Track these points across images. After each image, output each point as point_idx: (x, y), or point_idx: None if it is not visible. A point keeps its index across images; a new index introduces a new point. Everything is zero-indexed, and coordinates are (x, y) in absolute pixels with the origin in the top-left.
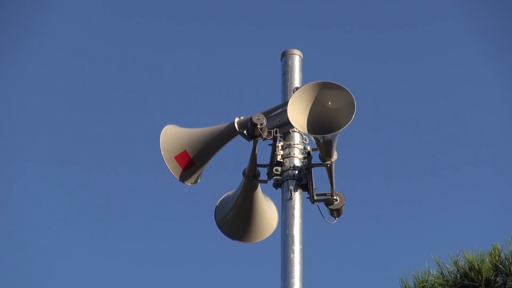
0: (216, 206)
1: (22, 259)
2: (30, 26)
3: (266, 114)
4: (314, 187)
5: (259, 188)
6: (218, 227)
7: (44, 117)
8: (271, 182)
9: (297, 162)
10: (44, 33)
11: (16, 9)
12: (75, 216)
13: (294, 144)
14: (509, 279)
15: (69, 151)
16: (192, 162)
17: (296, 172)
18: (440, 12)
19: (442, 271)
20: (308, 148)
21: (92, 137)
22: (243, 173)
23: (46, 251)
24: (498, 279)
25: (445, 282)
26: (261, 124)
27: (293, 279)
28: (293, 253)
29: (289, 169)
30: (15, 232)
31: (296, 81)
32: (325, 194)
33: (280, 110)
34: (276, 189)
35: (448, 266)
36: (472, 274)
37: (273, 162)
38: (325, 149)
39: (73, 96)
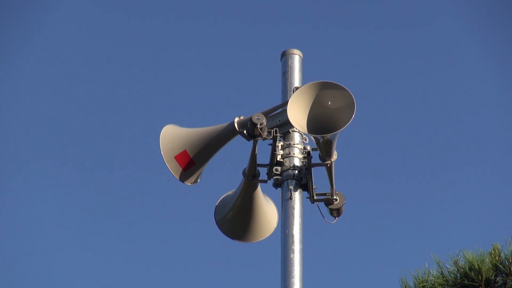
0: (216, 206)
1: (21, 258)
2: (30, 25)
3: (266, 114)
4: (314, 187)
5: (259, 188)
6: (218, 227)
7: (43, 116)
8: (271, 182)
9: (297, 162)
10: (43, 32)
11: (16, 9)
12: (74, 215)
13: (294, 144)
14: (509, 279)
15: (68, 150)
16: (192, 162)
17: (296, 172)
18: (439, 11)
19: (442, 271)
20: (308, 148)
21: (92, 136)
22: (243, 173)
23: (45, 250)
24: (498, 279)
25: (445, 282)
26: (261, 124)
27: (293, 279)
28: (293, 253)
29: (289, 169)
30: (14, 231)
31: (296, 81)
32: (325, 194)
33: (280, 110)
34: (276, 189)
35: (448, 266)
36: (472, 274)
37: (273, 162)
38: (325, 149)
39: (72, 94)
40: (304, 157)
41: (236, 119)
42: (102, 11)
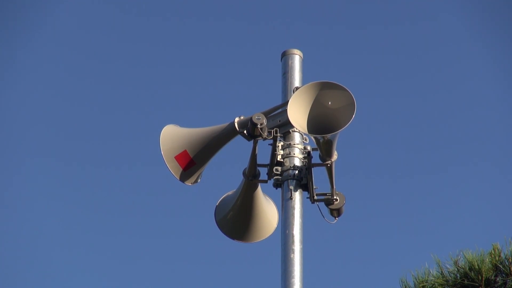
0: (216, 206)
1: (21, 256)
2: (31, 22)
3: (266, 114)
4: (314, 187)
5: (259, 188)
6: (218, 227)
7: (43, 113)
8: (271, 182)
9: (297, 162)
10: (44, 29)
11: (16, 6)
12: (75, 212)
13: (294, 144)
14: (509, 279)
15: (68, 148)
16: (192, 162)
17: (296, 172)
18: (439, 11)
19: (442, 271)
20: (308, 148)
21: (92, 134)
22: (243, 173)
23: (45, 248)
24: (498, 279)
25: (445, 282)
26: (261, 124)
27: (293, 279)
28: (293, 253)
29: (289, 169)
30: (14, 229)
31: (296, 81)
32: (325, 194)
33: (280, 110)
34: (276, 189)
35: (448, 266)
36: (472, 274)
37: (273, 162)
38: (325, 149)
39: (72, 92)
40: (304, 157)
41: (236, 119)
42: (103, 9)
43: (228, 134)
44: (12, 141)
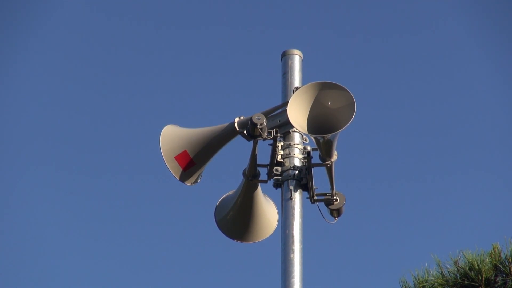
0: (216, 206)
1: (23, 262)
2: (28, 29)
3: (266, 114)
4: (314, 187)
5: (259, 188)
6: (218, 227)
7: (43, 121)
8: (271, 182)
9: (297, 162)
10: (44, 36)
11: (14, 12)
12: (75, 219)
13: (294, 144)
14: (509, 279)
15: (68, 154)
16: (192, 162)
17: (296, 172)
18: (440, 14)
19: (442, 271)
20: (308, 148)
21: (92, 138)
22: (243, 173)
23: (46, 254)
24: (498, 279)
25: (445, 282)
26: (261, 124)
27: (293, 279)
28: (293, 253)
29: (289, 169)
30: (14, 236)
31: (296, 81)
32: (325, 194)
33: (280, 110)
34: (276, 189)
35: (448, 266)
36: (472, 274)
37: (273, 162)
38: (325, 149)
39: (72, 99)
40: (304, 157)
41: (236, 119)
42: (102, 14)
43: (228, 134)
44: (12, 149)
